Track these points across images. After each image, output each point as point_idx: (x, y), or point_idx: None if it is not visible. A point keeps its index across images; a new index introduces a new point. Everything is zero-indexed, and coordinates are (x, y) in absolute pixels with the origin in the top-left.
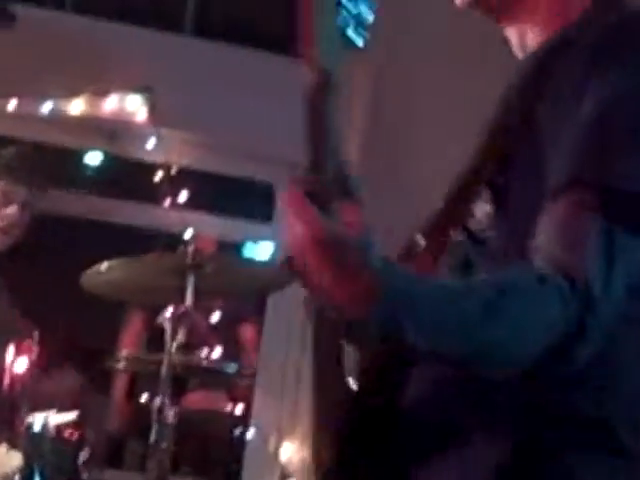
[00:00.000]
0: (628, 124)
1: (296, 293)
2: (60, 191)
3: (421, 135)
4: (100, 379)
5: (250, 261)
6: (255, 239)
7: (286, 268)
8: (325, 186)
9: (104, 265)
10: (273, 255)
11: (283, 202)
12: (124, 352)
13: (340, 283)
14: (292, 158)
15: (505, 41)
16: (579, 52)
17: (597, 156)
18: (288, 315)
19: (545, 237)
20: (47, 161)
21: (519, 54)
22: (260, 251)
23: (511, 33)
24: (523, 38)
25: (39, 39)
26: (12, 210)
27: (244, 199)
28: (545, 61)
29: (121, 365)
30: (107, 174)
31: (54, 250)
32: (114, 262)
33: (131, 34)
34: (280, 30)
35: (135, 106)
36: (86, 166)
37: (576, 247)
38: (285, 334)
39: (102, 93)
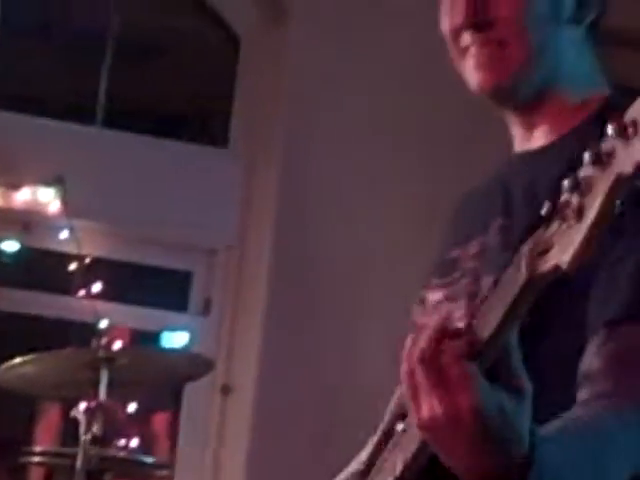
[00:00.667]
0: None
1: (212, 382)
2: None
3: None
4: (15, 473)
5: (165, 350)
6: (171, 328)
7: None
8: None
9: (17, 360)
10: (188, 344)
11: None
12: (39, 446)
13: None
14: (208, 245)
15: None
16: None
17: None
18: (205, 405)
19: (604, 367)
20: None
21: (521, 145)
22: (176, 340)
23: (519, 123)
24: (531, 130)
25: None
26: None
27: (160, 288)
28: None
29: (36, 459)
30: (20, 265)
31: None
32: (27, 357)
33: (42, 126)
34: (190, 118)
35: (47, 198)
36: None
37: None
38: (202, 424)
39: (14, 185)
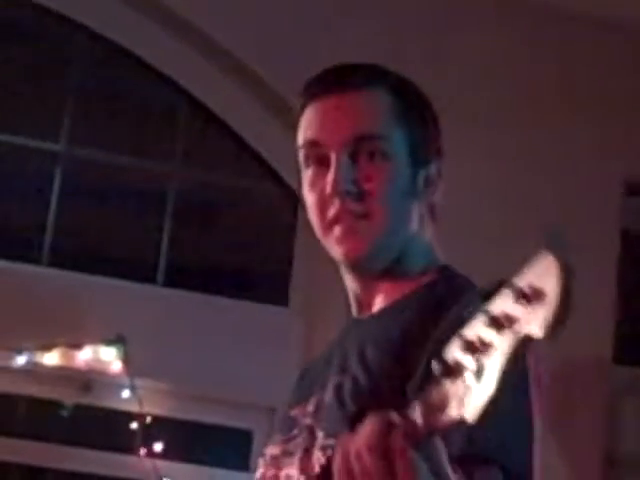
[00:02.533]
0: None
1: None
2: (33, 442)
3: None
4: None
5: None
6: None
7: None
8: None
9: None
10: None
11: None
12: None
13: None
14: (269, 403)
15: None
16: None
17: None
18: None
19: None
20: (19, 411)
21: (360, 310)
22: None
23: (363, 290)
24: (372, 297)
25: (13, 292)
26: None
27: (221, 447)
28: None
29: None
30: (81, 424)
31: None
32: None
33: (104, 285)
34: (251, 277)
35: (109, 357)
36: (60, 416)
37: None
38: None
39: (76, 345)
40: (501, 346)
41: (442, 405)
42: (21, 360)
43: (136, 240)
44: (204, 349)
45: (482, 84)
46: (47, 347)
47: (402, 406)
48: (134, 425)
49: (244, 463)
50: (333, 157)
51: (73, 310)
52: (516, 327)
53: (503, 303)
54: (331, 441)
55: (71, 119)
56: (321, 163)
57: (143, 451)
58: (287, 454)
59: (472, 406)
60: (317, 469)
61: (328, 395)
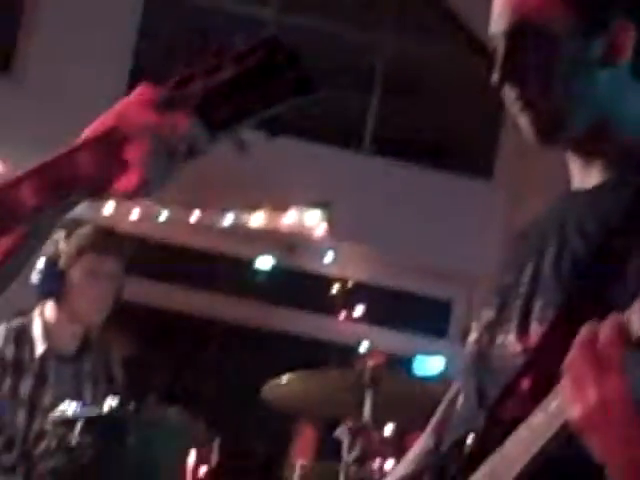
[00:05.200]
0: None
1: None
2: (234, 299)
3: None
4: None
5: (422, 378)
6: (427, 353)
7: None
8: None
9: (285, 377)
10: (444, 370)
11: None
12: (299, 462)
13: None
14: (470, 274)
15: None
16: None
17: None
18: None
19: None
20: (221, 269)
21: (579, 182)
22: (430, 365)
23: (576, 161)
24: (589, 167)
25: (224, 157)
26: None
27: (419, 314)
28: None
29: (297, 475)
30: (282, 285)
31: (231, 359)
32: (295, 375)
33: (312, 150)
34: (455, 149)
35: (314, 220)
36: (261, 276)
37: None
38: None
39: (282, 207)
40: None
41: None
42: (227, 220)
43: (346, 109)
44: (407, 217)
45: None
46: (253, 208)
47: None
48: (335, 288)
49: (443, 331)
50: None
51: (280, 174)
52: None
53: None
54: (549, 312)
55: None
56: None
57: (343, 314)
58: (502, 321)
59: None
60: (533, 339)
61: (546, 264)
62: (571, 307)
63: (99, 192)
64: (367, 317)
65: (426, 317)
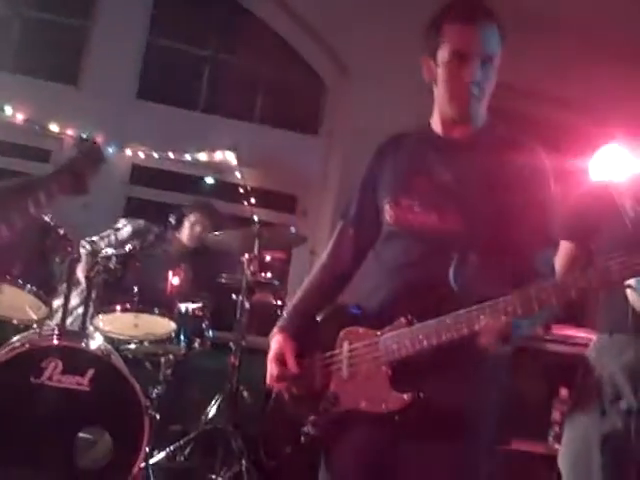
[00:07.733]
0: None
1: None
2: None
3: None
4: None
5: None
6: None
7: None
8: None
9: None
10: None
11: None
12: None
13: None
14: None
15: None
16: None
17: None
18: None
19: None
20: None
21: (442, 131)
22: None
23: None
24: (454, 124)
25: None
26: None
27: None
28: (506, 149)
29: None
30: (216, 189)
31: None
32: None
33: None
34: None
35: (230, 157)
36: (206, 184)
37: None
38: None
39: (214, 150)
40: None
41: None
42: (188, 157)
43: None
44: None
45: None
46: (200, 151)
47: None
48: (241, 189)
49: None
50: None
51: (210, 135)
52: None
53: None
54: None
55: None
56: None
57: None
58: (422, 205)
59: None
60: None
61: (442, 175)
62: None
63: None
64: None
65: None
